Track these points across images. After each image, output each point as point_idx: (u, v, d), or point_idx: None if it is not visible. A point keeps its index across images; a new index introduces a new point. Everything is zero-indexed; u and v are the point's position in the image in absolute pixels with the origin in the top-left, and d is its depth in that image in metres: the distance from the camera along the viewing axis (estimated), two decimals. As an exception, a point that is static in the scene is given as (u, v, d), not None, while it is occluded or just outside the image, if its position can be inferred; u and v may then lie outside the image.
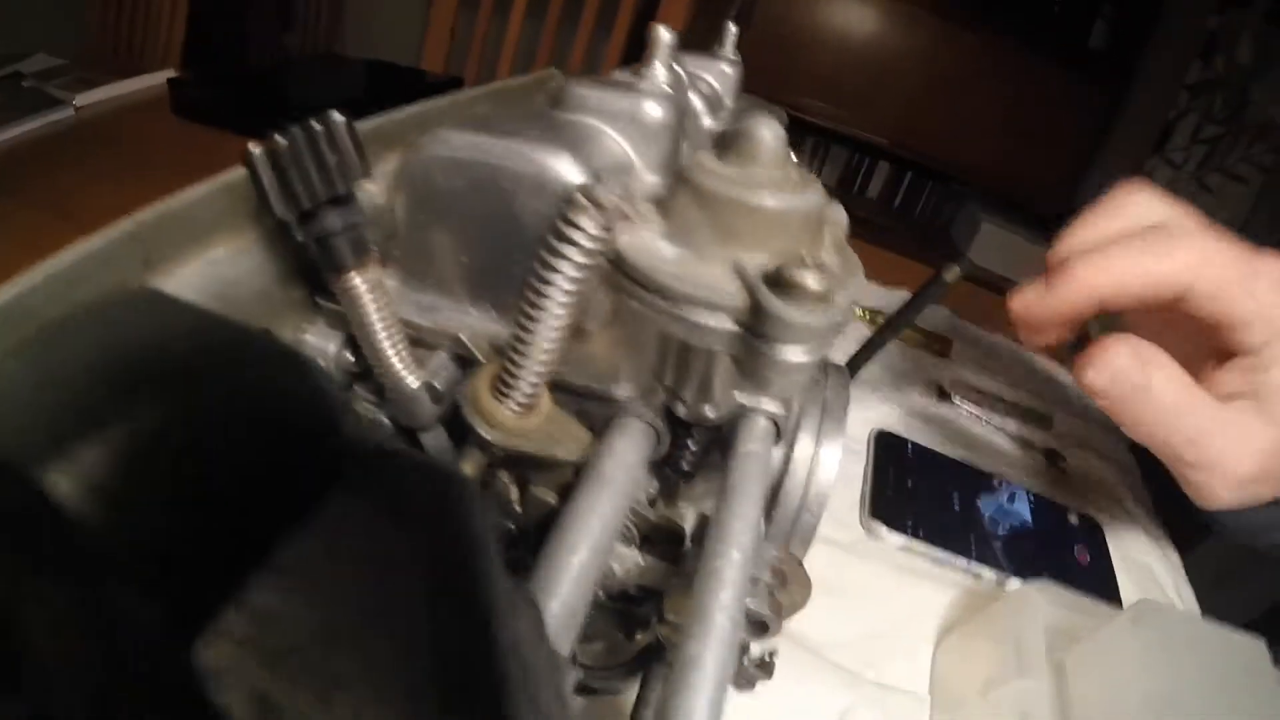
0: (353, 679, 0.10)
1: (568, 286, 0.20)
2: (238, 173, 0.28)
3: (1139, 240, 0.43)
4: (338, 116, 0.23)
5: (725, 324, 0.21)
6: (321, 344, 0.29)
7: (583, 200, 0.18)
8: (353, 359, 0.30)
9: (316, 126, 0.23)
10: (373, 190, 0.31)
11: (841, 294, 0.20)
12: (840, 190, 2.64)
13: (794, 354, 0.20)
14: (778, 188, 0.22)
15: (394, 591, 0.11)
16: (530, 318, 0.21)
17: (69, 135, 0.84)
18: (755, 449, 0.25)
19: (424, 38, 1.38)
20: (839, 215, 0.26)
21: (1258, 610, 1.17)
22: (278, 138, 0.22)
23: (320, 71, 1.12)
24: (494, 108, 0.40)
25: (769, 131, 0.22)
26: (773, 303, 0.20)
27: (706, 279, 0.21)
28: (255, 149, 0.23)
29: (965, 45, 2.36)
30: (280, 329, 0.30)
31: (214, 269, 0.27)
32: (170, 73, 0.99)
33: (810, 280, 0.19)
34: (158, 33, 1.25)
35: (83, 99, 0.88)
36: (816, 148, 2.62)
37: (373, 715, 0.10)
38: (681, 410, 0.26)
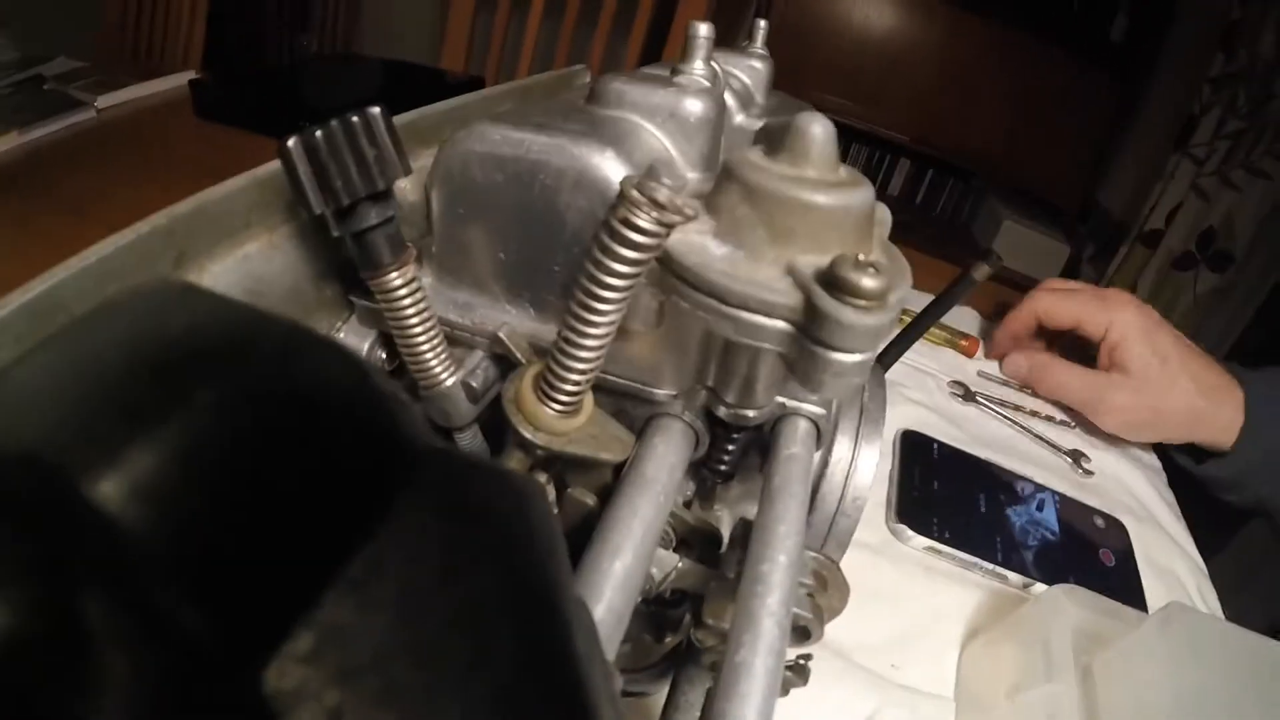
0: (433, 694, 0.10)
1: (620, 286, 0.19)
2: (271, 168, 0.27)
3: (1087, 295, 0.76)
4: (376, 110, 0.23)
5: (778, 325, 0.21)
6: (355, 342, 0.29)
7: (639, 196, 0.18)
8: (385, 357, 0.30)
9: (355, 120, 0.22)
10: (405, 187, 0.30)
11: (894, 294, 0.20)
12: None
13: (848, 355, 0.20)
14: (830, 186, 0.21)
15: (470, 602, 0.11)
16: (579, 318, 0.20)
17: (91, 137, 0.84)
18: (798, 451, 0.25)
19: (441, 38, 1.37)
20: (885, 214, 0.25)
21: (1278, 614, 1.16)
22: (316, 131, 0.22)
23: (340, 71, 1.12)
24: (524, 104, 0.40)
25: (820, 128, 0.22)
26: (829, 303, 0.19)
27: (759, 279, 0.21)
28: (292, 142, 0.22)
29: (984, 39, 2.35)
30: (313, 326, 0.29)
31: (246, 265, 0.27)
32: (191, 74, 1.00)
33: (866, 281, 0.19)
34: (177, 34, 1.26)
35: (104, 100, 0.88)
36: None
37: None
38: (722, 411, 0.25)
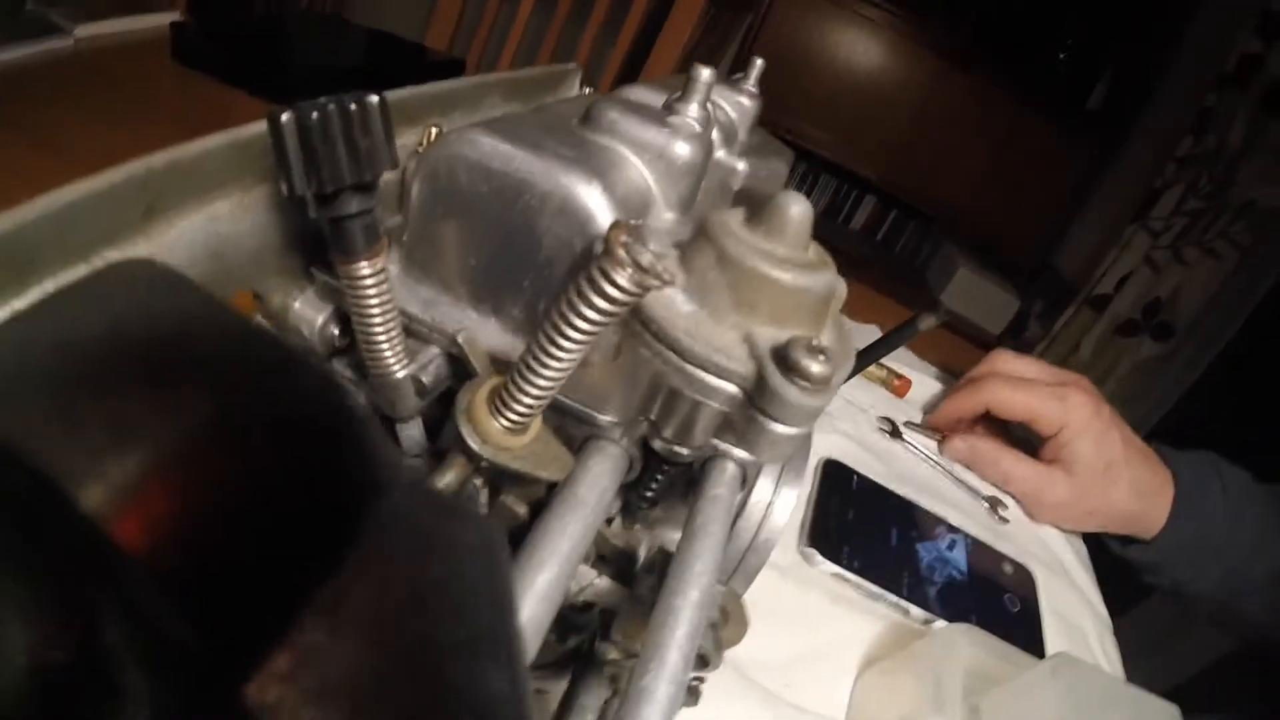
0: (397, 715, 0.11)
1: (589, 330, 0.20)
2: (251, 130, 0.27)
3: (1043, 392, 0.74)
4: (374, 100, 0.23)
5: (728, 388, 0.22)
6: (310, 315, 0.29)
7: (624, 256, 0.19)
8: (338, 334, 0.30)
9: (352, 108, 0.23)
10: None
11: (837, 376, 0.21)
12: (826, 219, 2.69)
13: (786, 428, 0.21)
14: (798, 265, 0.23)
15: (431, 636, 0.12)
16: (544, 349, 0.21)
17: (66, 66, 0.81)
18: (722, 493, 0.26)
19: (431, 13, 1.36)
20: (841, 289, 0.26)
21: (1183, 676, 1.21)
22: (312, 112, 0.22)
23: (324, 35, 1.10)
24: (510, 98, 0.40)
25: (798, 209, 0.23)
26: (778, 380, 0.20)
27: (718, 342, 0.22)
28: (285, 117, 0.22)
29: (964, 88, 2.40)
30: (270, 293, 0.29)
31: (214, 225, 0.27)
32: (174, 15, 0.97)
33: (815, 367, 0.20)
34: None
35: (84, 30, 0.85)
36: (807, 174, 2.65)
37: None
38: (658, 444, 0.26)
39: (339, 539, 0.12)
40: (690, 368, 0.22)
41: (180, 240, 0.26)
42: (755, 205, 0.24)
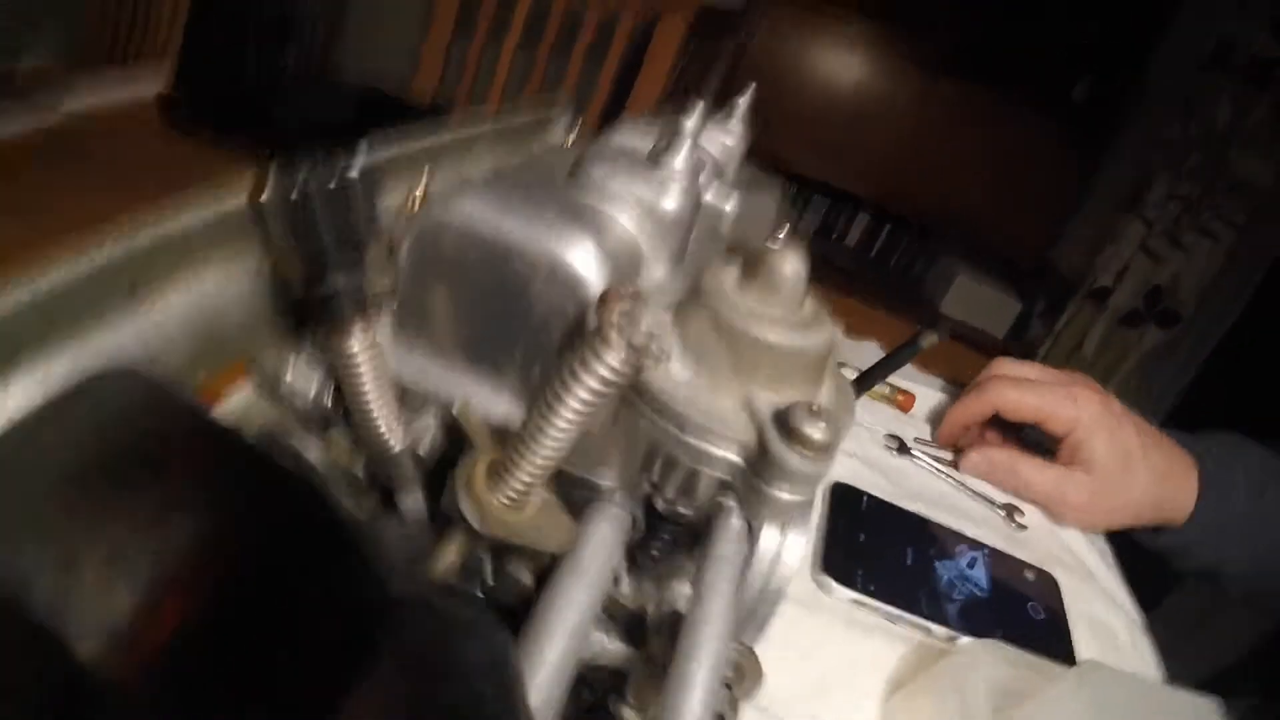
0: None
1: (584, 407, 0.20)
2: (233, 202, 0.27)
3: (1049, 390, 0.74)
4: (355, 174, 0.23)
5: (730, 456, 0.22)
6: (303, 386, 0.29)
7: (616, 339, 0.18)
8: (330, 405, 0.30)
9: (333, 186, 0.22)
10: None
11: (838, 438, 0.21)
12: (819, 238, 2.70)
13: (788, 493, 0.20)
14: (794, 326, 0.22)
15: None
16: (541, 425, 0.21)
17: (55, 140, 0.83)
18: (729, 552, 0.26)
19: (418, 58, 1.37)
20: (837, 338, 0.26)
21: (1221, 663, 1.20)
22: (292, 192, 0.22)
23: (311, 94, 1.11)
24: (498, 144, 0.40)
25: (791, 267, 0.22)
26: (779, 448, 0.20)
27: (717, 410, 0.22)
28: (266, 198, 0.22)
29: (947, 97, 2.41)
30: (263, 362, 0.29)
31: (201, 298, 0.26)
32: (160, 83, 0.98)
33: (817, 433, 0.20)
34: (155, 41, 1.23)
35: (71, 104, 0.87)
36: (798, 195, 2.65)
37: None
38: (661, 505, 0.26)
39: (342, 667, 0.12)
40: (690, 439, 0.22)
41: (169, 315, 0.25)
42: (749, 262, 0.23)
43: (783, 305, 0.23)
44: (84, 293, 0.22)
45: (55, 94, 0.86)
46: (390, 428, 0.26)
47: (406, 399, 0.28)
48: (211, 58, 1.14)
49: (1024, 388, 0.74)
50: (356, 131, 0.30)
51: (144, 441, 0.13)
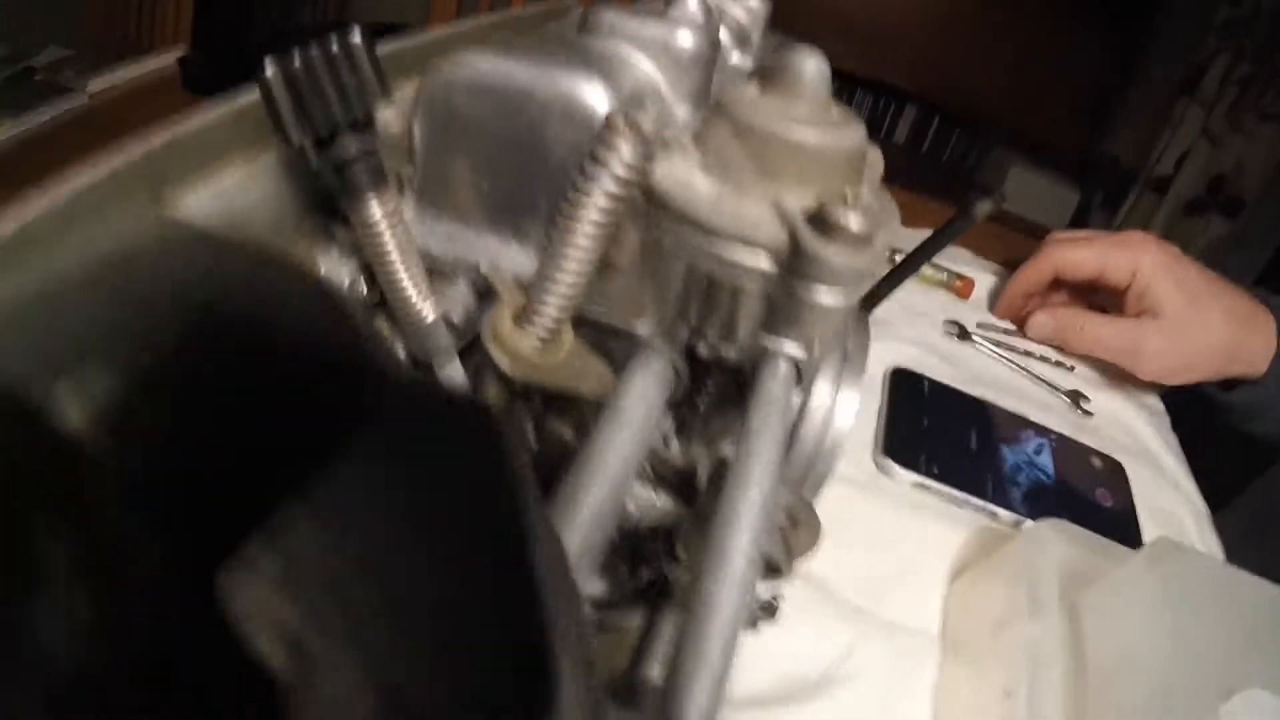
0: (386, 614, 0.10)
1: (599, 216, 0.19)
2: (249, 97, 0.27)
3: (1105, 242, 0.73)
4: (356, 36, 0.22)
5: (762, 262, 0.21)
6: (336, 274, 0.29)
7: (620, 125, 0.17)
8: (367, 290, 0.30)
9: (334, 48, 0.22)
10: (389, 116, 0.30)
11: (880, 235, 0.20)
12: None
13: (831, 296, 0.20)
14: (821, 124, 0.21)
15: (431, 525, 0.11)
16: (559, 247, 0.20)
17: (83, 122, 0.83)
18: (776, 392, 0.25)
19: (430, 9, 1.36)
20: (876, 157, 0.25)
21: None
22: (294, 59, 0.21)
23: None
24: (510, 34, 0.39)
25: (813, 64, 0.21)
26: (813, 243, 0.19)
27: (746, 215, 0.21)
28: (270, 69, 0.22)
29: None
30: (291, 258, 0.29)
31: (224, 199, 0.26)
32: (179, 51, 0.98)
33: (853, 221, 0.19)
34: (165, 14, 1.23)
35: (95, 85, 0.87)
36: (839, 93, 2.57)
37: (406, 652, 0.10)
38: (703, 350, 0.25)
39: (332, 446, 0.11)
40: (720, 246, 0.21)
41: (192, 218, 0.25)
42: (767, 72, 0.22)
43: (807, 105, 0.22)
44: (105, 201, 0.22)
45: (79, 80, 0.87)
46: (422, 297, 0.25)
47: (436, 271, 0.27)
48: (225, 15, 1.14)
49: (1080, 244, 0.74)
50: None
51: (134, 247, 0.13)
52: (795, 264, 0.20)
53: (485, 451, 0.12)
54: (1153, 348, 0.71)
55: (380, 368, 0.13)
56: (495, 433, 0.13)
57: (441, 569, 0.11)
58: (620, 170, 0.18)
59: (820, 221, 0.19)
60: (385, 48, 0.31)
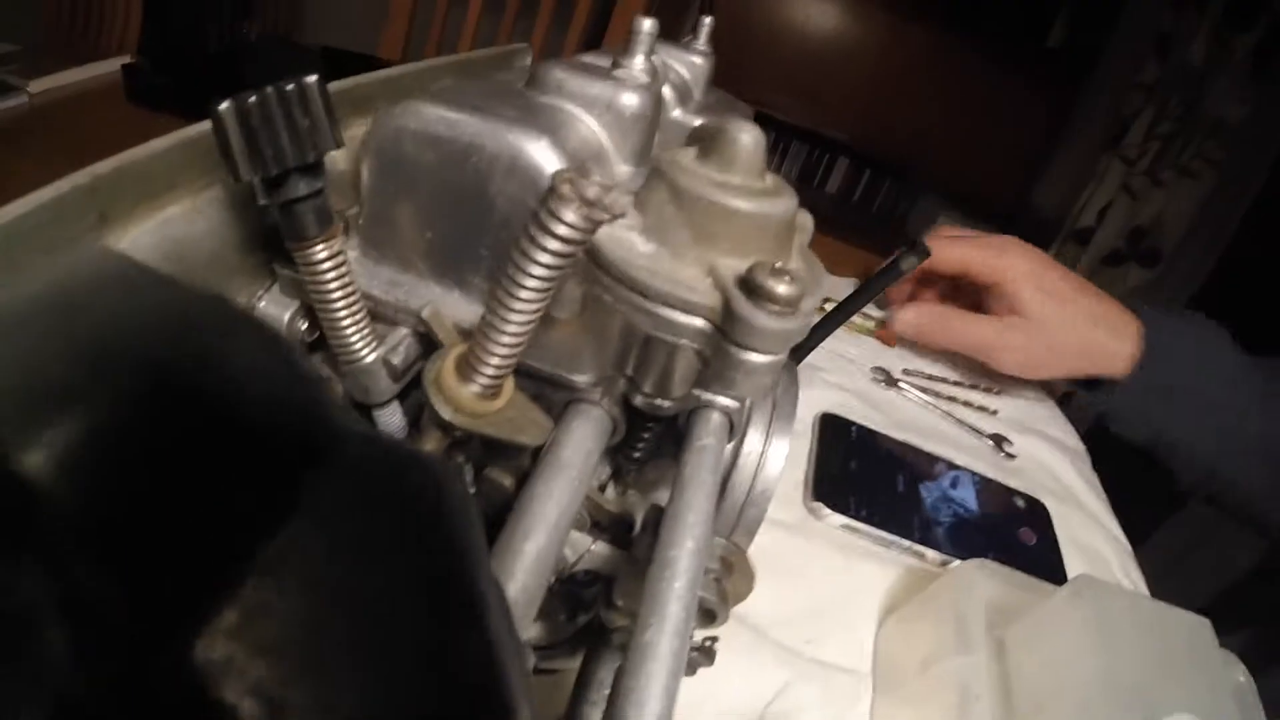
0: (349, 674, 0.10)
1: (544, 276, 0.20)
2: (198, 129, 0.27)
3: (974, 241, 0.76)
4: (312, 80, 0.22)
5: (696, 323, 0.22)
6: (276, 312, 0.29)
7: (568, 192, 0.18)
8: (306, 328, 0.30)
9: (290, 89, 0.22)
10: (337, 156, 0.30)
11: (807, 300, 0.21)
12: (800, 185, 2.67)
13: (760, 356, 0.20)
14: (754, 193, 0.22)
15: (386, 587, 0.11)
16: (503, 304, 0.20)
17: (22, 122, 0.82)
18: (709, 443, 0.26)
19: (382, 23, 1.36)
20: (806, 221, 0.26)
21: (1205, 599, 1.21)
22: (250, 98, 0.22)
23: (276, 58, 1.10)
24: (461, 79, 0.40)
25: (749, 136, 0.22)
26: (745, 307, 0.20)
27: (681, 278, 0.22)
28: (224, 106, 0.22)
29: (924, 42, 2.41)
30: (234, 294, 0.29)
31: (168, 229, 0.26)
32: (125, 59, 0.97)
33: (781, 288, 0.19)
34: (114, 18, 1.21)
35: (37, 85, 0.85)
36: (777, 142, 2.64)
37: (370, 703, 0.10)
38: (639, 400, 0.26)
39: (286, 496, 0.12)
40: (655, 307, 0.22)
41: (135, 247, 0.25)
42: (706, 139, 0.23)
43: (742, 174, 0.23)
44: (49, 225, 0.22)
45: (22, 79, 0.84)
46: (363, 338, 0.26)
47: (379, 316, 0.27)
48: (175, 26, 1.12)
49: (954, 241, 0.76)
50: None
51: (89, 290, 0.13)
52: (727, 327, 0.21)
53: (440, 509, 0.13)
54: (1012, 343, 0.74)
55: (334, 420, 0.13)
56: (450, 491, 0.13)
57: (401, 623, 0.11)
58: (566, 234, 0.19)
59: (751, 287, 0.20)
60: (337, 85, 0.32)
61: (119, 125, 0.84)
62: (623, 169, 0.28)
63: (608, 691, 0.29)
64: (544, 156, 0.24)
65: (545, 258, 0.19)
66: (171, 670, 0.09)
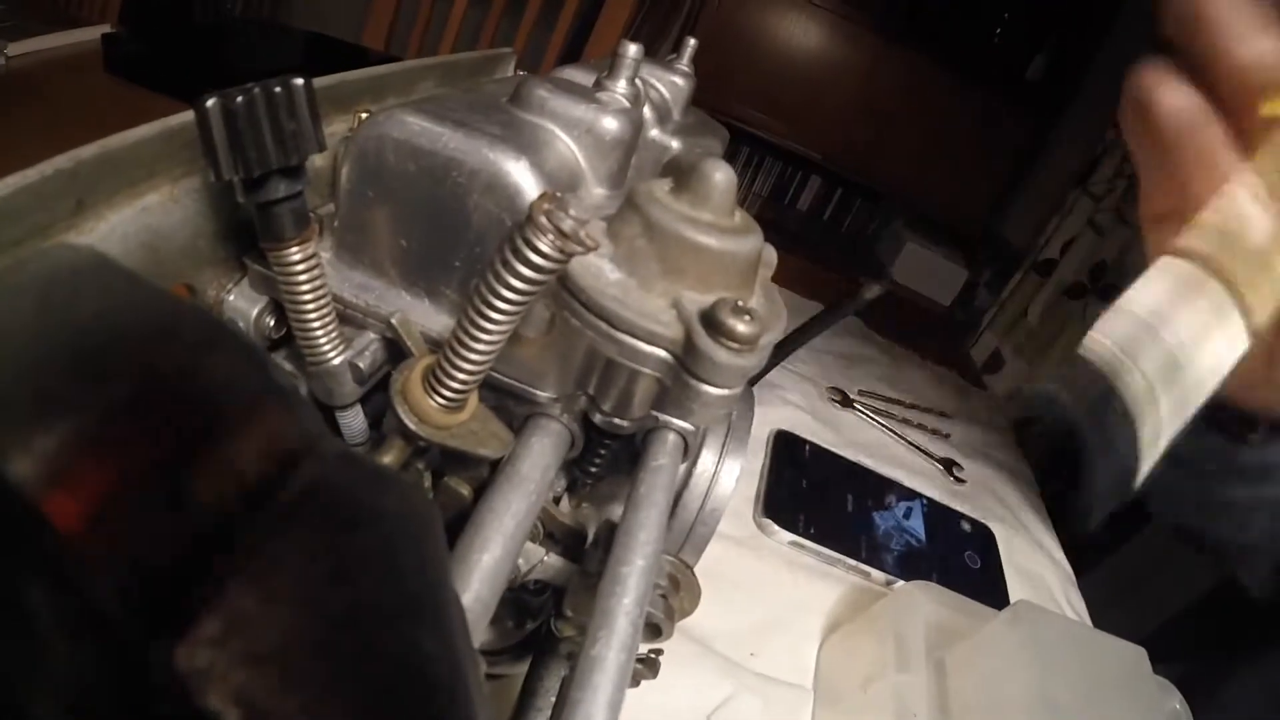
0: (327, 683, 0.11)
1: (515, 300, 0.20)
2: (180, 118, 0.27)
3: None
4: (299, 83, 0.23)
5: (658, 353, 0.22)
6: (244, 307, 0.29)
7: (545, 223, 0.19)
8: (273, 324, 0.30)
9: (277, 90, 0.22)
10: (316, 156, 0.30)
11: (766, 338, 0.21)
12: (772, 201, 2.72)
13: (718, 389, 0.21)
14: (723, 231, 0.23)
15: (360, 600, 0.12)
16: (473, 323, 0.21)
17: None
18: (664, 463, 0.26)
19: (367, 11, 1.35)
20: (771, 256, 0.27)
21: (1146, 629, 1.24)
22: (237, 97, 0.22)
23: (259, 39, 1.08)
24: (444, 82, 0.40)
25: (722, 175, 0.23)
26: (706, 342, 0.21)
27: (647, 309, 0.22)
28: (210, 103, 0.22)
29: (903, 67, 2.44)
30: (205, 285, 0.29)
31: (145, 217, 0.26)
32: (105, 27, 0.95)
33: (741, 327, 0.20)
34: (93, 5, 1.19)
35: (15, 48, 0.84)
36: (751, 157, 2.66)
37: (355, 713, 0.11)
38: (598, 418, 0.27)
39: (263, 508, 0.12)
40: (620, 335, 0.22)
41: (112, 233, 0.25)
42: (680, 173, 0.24)
43: (712, 211, 0.23)
44: (27, 208, 0.22)
45: (0, 39, 0.83)
46: (330, 340, 0.26)
47: (348, 319, 0.28)
48: (156, 4, 1.11)
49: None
50: (307, 76, 0.30)
51: (75, 298, 0.13)
52: (688, 359, 0.22)
53: (408, 528, 0.14)
54: None
55: (313, 436, 0.14)
56: (422, 512, 0.14)
57: (378, 634, 0.12)
58: (541, 263, 0.19)
59: (713, 323, 0.21)
60: (321, 83, 0.32)
61: (95, 94, 0.83)
62: (598, 191, 0.28)
63: (554, 699, 0.30)
64: (522, 176, 0.25)
65: (517, 283, 0.20)
66: (156, 677, 0.10)
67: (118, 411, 0.11)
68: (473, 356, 0.22)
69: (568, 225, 0.19)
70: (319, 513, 0.13)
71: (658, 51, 0.41)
